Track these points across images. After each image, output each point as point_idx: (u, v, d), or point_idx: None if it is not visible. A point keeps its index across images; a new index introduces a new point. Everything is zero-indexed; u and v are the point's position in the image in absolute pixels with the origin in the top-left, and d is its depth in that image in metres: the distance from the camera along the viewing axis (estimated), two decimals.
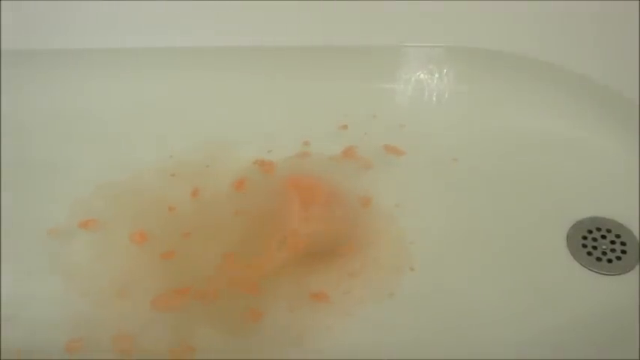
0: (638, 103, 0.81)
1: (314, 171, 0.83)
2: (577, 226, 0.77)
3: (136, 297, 0.73)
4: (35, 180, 0.84)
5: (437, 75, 0.93)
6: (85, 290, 0.74)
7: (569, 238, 0.76)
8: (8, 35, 0.90)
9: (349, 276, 0.74)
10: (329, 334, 0.70)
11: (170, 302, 0.72)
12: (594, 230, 0.76)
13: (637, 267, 0.73)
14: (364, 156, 0.85)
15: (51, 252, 0.77)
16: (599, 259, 0.74)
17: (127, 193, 0.82)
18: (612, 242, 0.75)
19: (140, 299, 0.73)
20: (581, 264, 0.74)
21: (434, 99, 0.92)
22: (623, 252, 0.75)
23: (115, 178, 0.83)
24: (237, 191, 0.82)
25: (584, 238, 0.76)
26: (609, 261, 0.74)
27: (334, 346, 0.69)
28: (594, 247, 0.75)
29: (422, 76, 0.93)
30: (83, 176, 0.84)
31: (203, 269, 0.75)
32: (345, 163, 0.84)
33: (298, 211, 0.78)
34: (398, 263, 0.75)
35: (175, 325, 0.71)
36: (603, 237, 0.76)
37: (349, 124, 0.88)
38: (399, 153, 0.85)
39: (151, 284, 0.74)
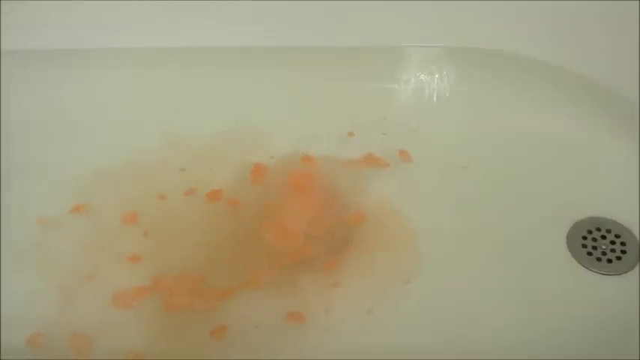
0: (638, 103, 0.81)
1: (312, 174, 0.83)
2: (577, 226, 0.77)
3: (102, 293, 0.72)
4: (37, 175, 0.84)
5: (437, 75, 0.93)
6: (60, 283, 0.74)
7: (569, 238, 0.76)
8: (8, 35, 0.91)
9: (332, 287, 0.72)
10: (301, 355, 0.68)
11: (131, 301, 0.72)
12: (594, 230, 0.76)
13: (637, 267, 0.73)
14: (364, 160, 0.84)
15: (37, 242, 0.77)
16: (599, 259, 0.74)
17: (125, 186, 0.82)
18: (612, 242, 0.75)
19: (104, 296, 0.72)
20: (581, 264, 0.74)
21: (433, 99, 0.92)
22: (623, 252, 0.74)
23: (115, 172, 0.83)
24: (229, 195, 0.81)
25: (584, 238, 0.76)
26: (609, 261, 0.74)
27: None
28: (594, 247, 0.75)
29: (422, 76, 0.93)
30: (81, 169, 0.84)
31: (173, 271, 0.74)
32: (346, 166, 0.84)
33: (291, 217, 0.77)
34: (393, 275, 0.74)
35: (133, 329, 0.69)
36: (603, 237, 0.76)
37: (351, 125, 0.87)
38: (402, 156, 0.85)
39: (115, 283, 0.73)
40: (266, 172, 0.83)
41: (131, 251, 0.76)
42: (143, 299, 0.72)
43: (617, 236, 0.76)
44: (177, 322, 0.70)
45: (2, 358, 0.67)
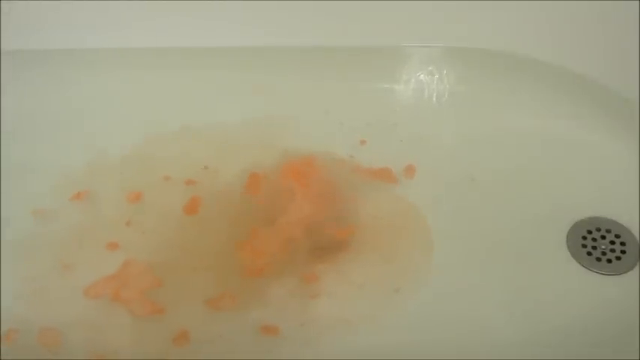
0: (638, 103, 0.81)
1: (311, 177, 0.82)
2: (577, 226, 0.77)
3: (76, 284, 0.73)
4: (36, 174, 0.84)
5: (436, 75, 0.93)
6: (38, 275, 0.74)
7: (569, 238, 0.76)
8: (8, 35, 0.91)
9: (311, 298, 0.71)
10: None
11: (100, 294, 0.71)
12: (594, 230, 0.76)
13: (637, 267, 0.73)
14: (362, 164, 0.84)
15: (34, 232, 0.78)
16: (598, 259, 0.74)
17: (122, 184, 0.82)
18: (612, 242, 0.75)
19: (78, 288, 0.72)
20: (581, 264, 0.74)
21: (433, 100, 0.92)
22: (623, 252, 0.74)
23: (114, 170, 0.84)
24: (225, 198, 0.80)
25: (584, 238, 0.76)
26: (609, 261, 0.74)
27: None
28: (594, 247, 0.75)
29: (421, 76, 0.93)
30: (80, 167, 0.84)
31: (143, 265, 0.74)
32: (346, 170, 0.83)
33: (283, 224, 0.77)
34: (384, 284, 0.73)
35: (95, 331, 0.69)
36: (603, 237, 0.76)
37: (351, 126, 0.87)
38: (403, 159, 0.84)
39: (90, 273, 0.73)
40: (264, 175, 0.82)
41: (111, 240, 0.76)
42: (111, 288, 0.72)
43: (616, 236, 0.76)
44: (141, 325, 0.69)
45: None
